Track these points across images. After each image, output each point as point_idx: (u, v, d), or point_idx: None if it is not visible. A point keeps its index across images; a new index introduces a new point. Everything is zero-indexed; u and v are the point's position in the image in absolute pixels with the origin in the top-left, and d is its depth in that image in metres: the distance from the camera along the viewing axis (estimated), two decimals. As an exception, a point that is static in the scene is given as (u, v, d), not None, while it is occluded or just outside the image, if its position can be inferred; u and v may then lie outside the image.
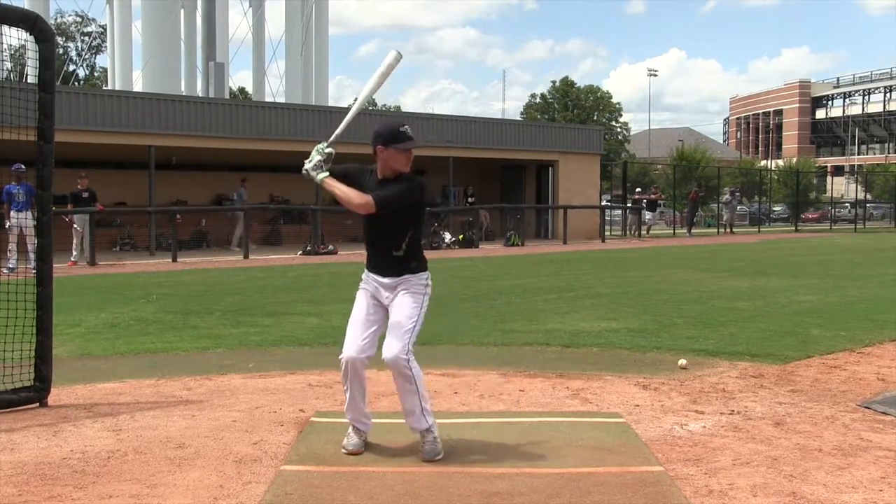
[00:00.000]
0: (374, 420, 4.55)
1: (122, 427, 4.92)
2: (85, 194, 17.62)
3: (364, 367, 4.42)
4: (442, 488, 3.87)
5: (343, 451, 4.39)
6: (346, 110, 29.02)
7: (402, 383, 4.34)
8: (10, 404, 5.29)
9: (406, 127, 4.36)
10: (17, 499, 3.73)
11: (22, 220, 14.66)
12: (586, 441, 4.60)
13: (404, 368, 4.29)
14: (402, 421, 4.42)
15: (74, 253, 17.43)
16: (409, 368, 4.29)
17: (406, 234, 4.37)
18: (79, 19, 62.98)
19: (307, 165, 4.42)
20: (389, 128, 4.36)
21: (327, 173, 4.39)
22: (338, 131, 4.55)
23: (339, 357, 4.41)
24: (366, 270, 4.52)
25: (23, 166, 14.63)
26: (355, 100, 4.85)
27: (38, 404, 5.41)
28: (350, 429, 4.48)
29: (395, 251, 4.37)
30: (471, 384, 6.06)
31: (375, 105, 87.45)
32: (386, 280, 4.40)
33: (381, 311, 4.43)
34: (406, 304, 4.35)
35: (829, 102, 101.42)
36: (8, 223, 15.05)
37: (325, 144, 4.43)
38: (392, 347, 4.28)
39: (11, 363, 5.50)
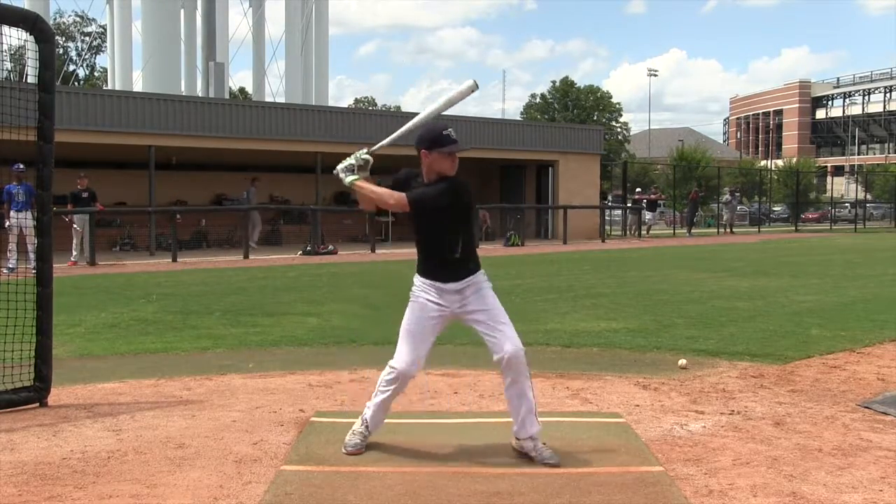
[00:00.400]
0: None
1: (122, 427, 4.92)
2: (84, 194, 17.62)
3: (413, 378, 4.45)
4: (442, 488, 3.87)
5: (344, 450, 4.37)
6: (346, 110, 28.90)
7: (519, 381, 4.28)
8: (10, 404, 5.29)
9: (450, 130, 4.28)
10: (17, 499, 3.73)
11: (22, 220, 14.65)
12: (586, 441, 4.60)
13: (524, 363, 4.28)
14: (403, 421, 4.41)
15: (74, 253, 17.43)
16: (525, 363, 4.31)
17: (458, 236, 4.31)
18: (79, 19, 63.07)
19: (339, 166, 4.41)
20: (433, 132, 4.29)
21: (356, 176, 4.34)
22: (382, 143, 4.52)
23: (391, 364, 4.35)
24: (420, 278, 4.39)
25: (22, 166, 14.63)
26: (417, 114, 4.77)
27: (38, 404, 5.41)
28: (359, 425, 4.42)
29: (450, 255, 4.31)
30: (471, 384, 6.06)
31: (375, 105, 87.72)
32: (450, 285, 4.31)
33: (442, 321, 4.37)
34: (489, 299, 4.33)
35: (829, 102, 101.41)
36: (8, 223, 15.05)
37: (365, 151, 4.42)
38: (511, 342, 4.24)
39: (11, 363, 5.49)
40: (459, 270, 4.33)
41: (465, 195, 4.33)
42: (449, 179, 4.30)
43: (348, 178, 4.37)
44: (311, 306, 10.44)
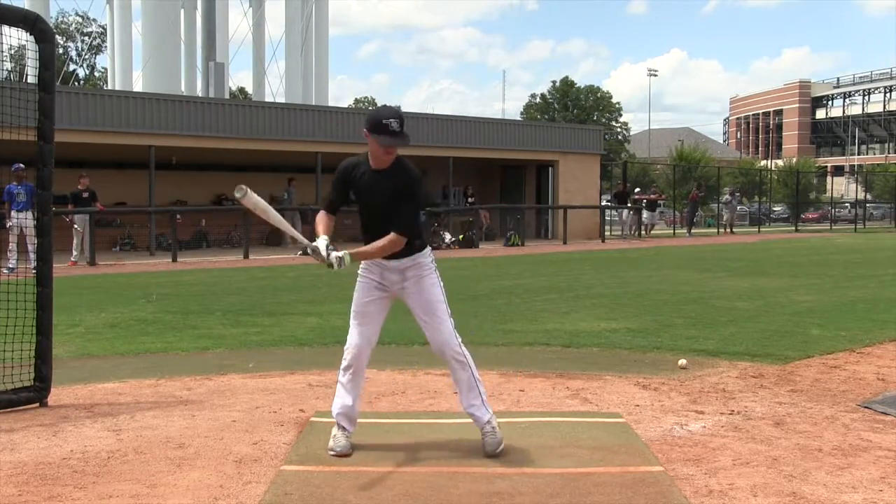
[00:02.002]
0: (374, 420, 4.55)
1: (122, 427, 4.91)
2: (85, 194, 17.62)
3: (367, 359, 4.42)
4: (442, 488, 3.87)
5: (330, 452, 4.33)
6: (346, 110, 28.88)
7: (457, 371, 4.32)
8: (10, 404, 5.28)
9: (391, 120, 4.16)
10: (17, 499, 3.73)
11: (22, 219, 14.66)
12: (586, 441, 4.60)
13: (457, 354, 4.29)
14: (402, 421, 4.41)
15: (74, 253, 17.43)
16: (461, 354, 4.30)
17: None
18: (80, 19, 63.09)
19: (335, 264, 4.11)
20: (376, 116, 4.25)
21: (344, 252, 4.16)
22: (299, 238, 4.46)
23: (345, 347, 4.39)
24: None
25: (22, 166, 14.63)
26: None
27: (38, 404, 5.41)
28: (335, 429, 4.41)
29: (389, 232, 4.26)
30: (471, 384, 6.05)
31: (375, 105, 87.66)
32: (392, 263, 4.32)
33: (387, 300, 4.40)
34: (427, 288, 4.32)
35: (829, 102, 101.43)
36: (9, 223, 15.06)
37: (317, 246, 4.17)
38: (438, 335, 4.27)
39: (11, 363, 5.49)
40: (404, 249, 4.30)
41: (421, 181, 4.38)
42: (416, 177, 4.30)
43: (347, 259, 4.16)
44: (311, 306, 10.44)
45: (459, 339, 4.34)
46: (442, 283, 4.41)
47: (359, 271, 4.42)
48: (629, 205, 30.56)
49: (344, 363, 4.41)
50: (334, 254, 4.13)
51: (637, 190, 34.16)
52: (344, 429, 4.41)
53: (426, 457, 4.33)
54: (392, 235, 4.21)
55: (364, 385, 4.56)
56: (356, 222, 4.49)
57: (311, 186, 23.80)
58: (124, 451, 4.43)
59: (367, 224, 4.39)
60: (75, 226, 17.42)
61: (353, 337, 4.38)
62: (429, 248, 4.44)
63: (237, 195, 4.12)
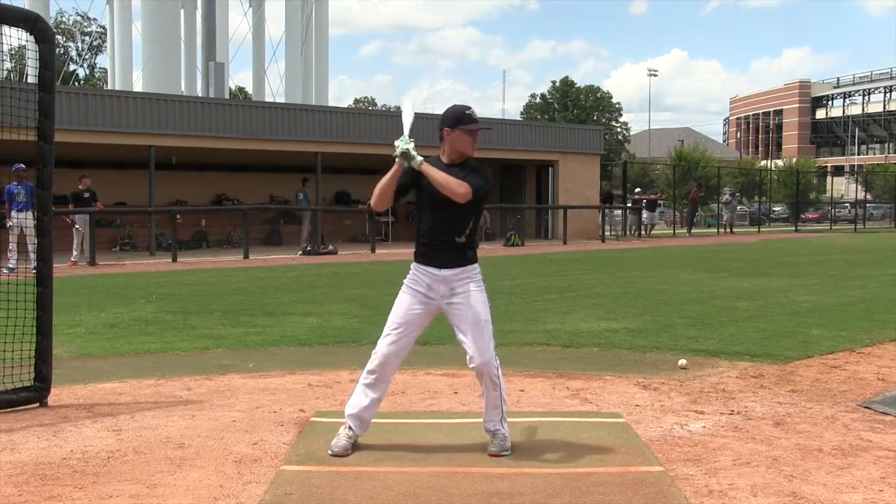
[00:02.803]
0: (374, 420, 4.53)
1: (122, 427, 4.91)
2: (86, 194, 17.62)
3: (395, 370, 4.43)
4: (442, 488, 3.86)
5: (329, 451, 4.33)
6: (346, 110, 28.87)
7: (489, 390, 4.35)
8: (10, 404, 5.28)
9: (471, 110, 4.38)
10: (17, 499, 3.73)
11: (22, 219, 14.66)
12: (586, 441, 4.60)
13: (494, 376, 4.31)
14: (402, 421, 4.41)
15: (75, 253, 17.43)
16: (498, 376, 4.33)
17: (470, 220, 4.32)
18: (80, 19, 63.10)
19: (406, 146, 4.23)
20: (455, 111, 4.39)
21: (423, 158, 4.27)
22: (407, 127, 4.43)
23: (374, 351, 4.37)
24: (415, 264, 4.38)
25: (23, 166, 14.63)
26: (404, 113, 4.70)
27: (38, 404, 5.40)
28: (343, 429, 4.41)
29: (458, 237, 4.28)
30: (471, 384, 6.04)
31: (375, 105, 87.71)
32: (443, 272, 4.29)
33: (428, 314, 4.36)
34: (477, 303, 4.30)
35: (829, 102, 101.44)
36: (9, 223, 15.06)
37: (408, 138, 4.31)
38: (481, 355, 4.26)
39: (11, 363, 5.49)
40: (459, 257, 4.31)
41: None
42: (482, 168, 4.37)
43: (419, 158, 4.24)
44: (311, 306, 10.44)
45: (498, 363, 4.35)
46: (489, 302, 4.39)
47: (405, 281, 4.39)
48: (614, 204, 30.28)
49: (369, 366, 4.38)
50: (419, 158, 4.24)
51: (637, 190, 34.16)
52: (351, 429, 4.41)
53: (426, 457, 4.32)
54: (467, 185, 4.19)
55: (384, 395, 4.55)
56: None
57: (311, 186, 23.79)
58: (124, 451, 4.43)
59: (431, 222, 4.33)
60: (76, 226, 17.41)
61: (384, 345, 4.34)
62: (478, 266, 4.40)
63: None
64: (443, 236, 4.30)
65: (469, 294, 4.31)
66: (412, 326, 4.35)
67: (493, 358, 4.31)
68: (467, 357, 4.31)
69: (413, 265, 4.40)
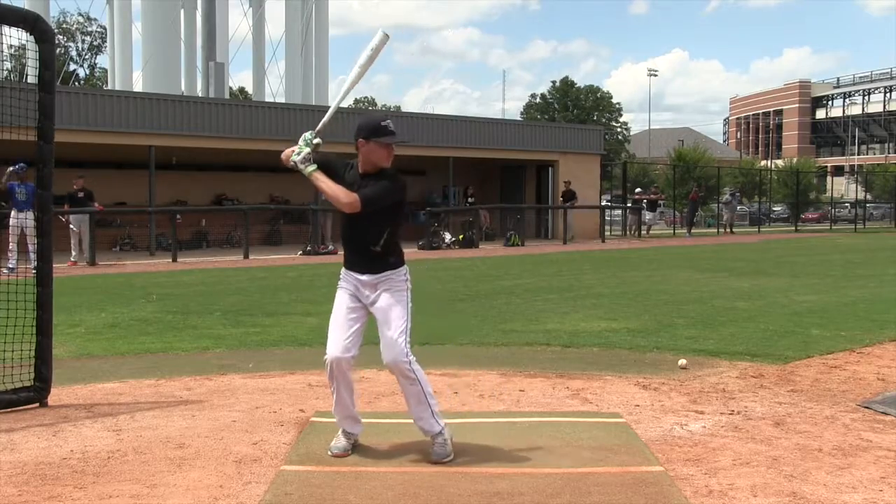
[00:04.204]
0: (374, 420, 4.55)
1: (122, 427, 4.91)
2: (80, 194, 17.61)
3: (350, 367, 4.40)
4: (442, 488, 3.87)
5: (329, 453, 4.34)
6: (346, 110, 28.77)
7: (406, 386, 4.32)
8: (10, 404, 5.28)
9: (388, 121, 4.28)
10: (17, 499, 3.73)
11: (22, 219, 14.66)
12: (586, 441, 4.60)
13: (407, 371, 4.27)
14: (402, 421, 4.41)
15: (74, 253, 17.42)
16: (411, 371, 4.28)
17: (385, 231, 4.31)
18: (81, 19, 63.12)
19: (295, 157, 4.30)
20: (371, 121, 4.33)
21: (315, 166, 4.28)
22: (324, 119, 4.45)
23: (324, 358, 4.39)
24: (343, 269, 4.45)
25: (25, 166, 14.61)
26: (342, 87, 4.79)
27: (38, 404, 5.41)
28: (340, 431, 4.44)
29: (372, 247, 4.30)
30: (471, 384, 6.06)
31: (375, 105, 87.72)
32: (365, 277, 4.34)
33: (363, 310, 4.39)
34: (391, 303, 4.30)
35: (829, 102, 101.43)
36: (12, 222, 15.06)
37: (313, 134, 4.34)
38: (390, 350, 4.26)
39: (11, 363, 5.49)
40: (378, 263, 4.32)
41: (405, 192, 4.39)
42: (393, 177, 4.31)
43: (309, 169, 4.28)
44: (311, 306, 10.43)
45: (412, 358, 4.30)
46: (411, 304, 4.37)
47: (339, 282, 4.44)
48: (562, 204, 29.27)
49: (328, 376, 4.42)
50: (309, 168, 4.27)
51: (638, 190, 34.15)
52: (349, 434, 4.43)
53: (426, 457, 4.32)
54: (354, 196, 4.18)
55: (356, 387, 4.54)
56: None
57: (310, 186, 23.63)
58: (124, 451, 4.43)
59: (347, 232, 4.38)
60: (71, 226, 17.40)
61: (329, 346, 4.38)
62: (406, 268, 4.41)
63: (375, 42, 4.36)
64: (358, 246, 4.35)
65: (387, 292, 4.33)
66: (350, 324, 4.35)
67: (403, 354, 4.26)
68: (383, 359, 4.31)
69: (342, 269, 4.45)
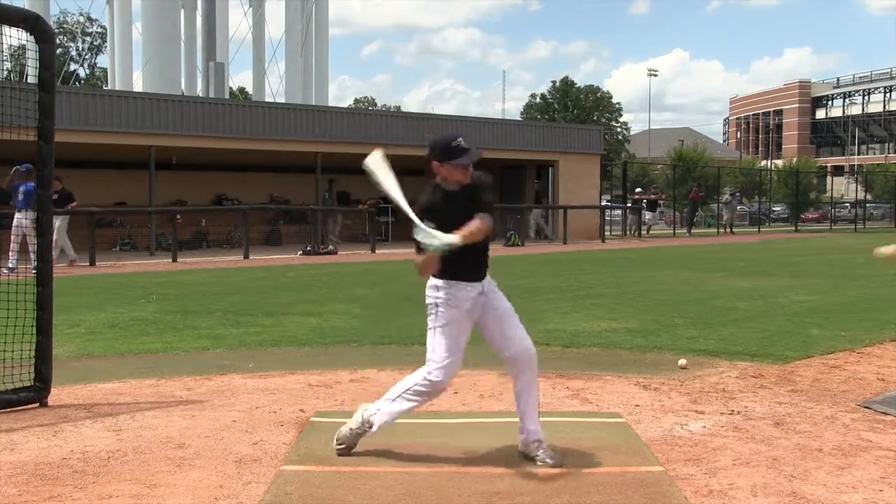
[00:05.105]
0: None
1: (122, 427, 4.91)
2: (55, 196, 17.49)
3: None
4: (442, 488, 3.87)
5: (337, 446, 4.32)
6: (345, 110, 28.79)
7: (532, 378, 4.29)
8: (10, 404, 5.28)
9: (460, 140, 4.17)
10: (17, 499, 3.73)
11: (21, 219, 14.65)
12: (586, 441, 4.60)
13: (536, 360, 4.31)
14: (402, 421, 4.39)
15: (54, 253, 17.03)
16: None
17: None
18: (82, 19, 63.13)
19: (441, 244, 3.99)
20: (443, 143, 4.19)
21: (452, 237, 3.99)
22: (407, 209, 4.23)
23: (436, 380, 4.21)
24: (452, 284, 4.19)
25: (31, 166, 14.58)
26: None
27: (38, 404, 5.41)
28: (360, 425, 4.31)
29: (487, 250, 4.31)
30: (471, 384, 6.05)
31: (375, 105, 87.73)
32: (480, 284, 4.28)
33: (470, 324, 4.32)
34: (505, 297, 4.36)
35: (829, 102, 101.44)
36: (16, 222, 15.05)
37: (426, 227, 4.07)
38: (529, 339, 4.29)
39: (11, 363, 5.49)
40: (486, 265, 4.33)
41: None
42: (489, 185, 4.29)
43: (448, 240, 4.01)
44: (311, 306, 10.44)
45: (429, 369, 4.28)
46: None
47: (443, 300, 4.20)
48: (545, 204, 29.00)
49: (424, 387, 4.24)
50: (448, 237, 4.00)
51: (638, 190, 34.14)
52: (370, 428, 4.34)
53: (426, 457, 4.33)
54: (487, 223, 4.13)
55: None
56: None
57: (311, 186, 23.80)
58: (124, 451, 4.43)
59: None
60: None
61: (447, 370, 4.21)
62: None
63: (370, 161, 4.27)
64: (479, 252, 4.26)
65: (496, 292, 4.39)
66: (463, 344, 4.32)
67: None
68: (508, 351, 4.33)
69: (448, 283, 4.22)
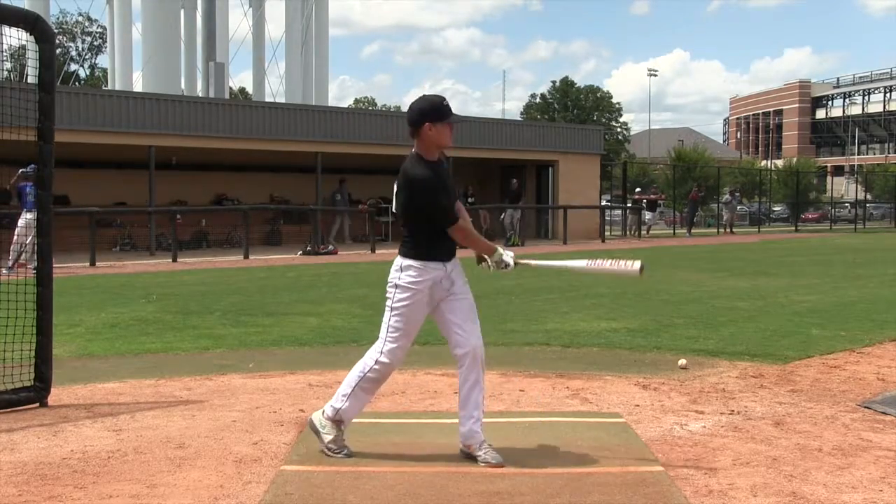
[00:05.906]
0: (374, 420, 4.54)
1: (122, 427, 4.91)
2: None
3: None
4: (442, 488, 3.87)
5: (331, 453, 4.28)
6: (346, 110, 28.78)
7: (478, 376, 4.29)
8: (10, 404, 5.28)
9: (446, 101, 4.21)
10: (17, 499, 3.73)
11: (31, 220, 14.65)
12: (586, 441, 4.60)
13: (484, 357, 4.31)
14: (403, 421, 4.40)
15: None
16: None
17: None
18: (81, 19, 63.14)
19: (507, 260, 4.46)
20: (433, 104, 4.18)
21: (507, 253, 4.45)
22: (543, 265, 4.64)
23: (384, 360, 4.24)
24: (424, 265, 4.18)
25: (36, 167, 14.55)
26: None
27: (38, 404, 5.41)
28: (331, 427, 4.30)
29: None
30: (471, 384, 6.05)
31: (375, 105, 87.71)
32: (452, 261, 4.30)
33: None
34: (468, 290, 4.34)
35: (829, 102, 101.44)
36: (21, 223, 15.06)
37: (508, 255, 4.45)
38: (479, 337, 4.28)
39: (11, 363, 5.49)
40: (454, 246, 4.32)
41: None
42: (440, 163, 4.29)
43: (508, 256, 4.47)
44: (311, 306, 10.44)
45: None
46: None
47: (410, 282, 4.17)
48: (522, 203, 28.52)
49: (375, 374, 4.28)
50: (507, 256, 4.44)
51: (638, 190, 34.14)
52: (342, 425, 4.35)
53: (426, 457, 4.33)
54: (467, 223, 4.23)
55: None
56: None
57: (311, 186, 23.79)
58: (124, 451, 4.43)
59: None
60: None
61: (398, 353, 4.25)
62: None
63: None
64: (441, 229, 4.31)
65: (463, 280, 4.43)
66: (418, 328, 4.36)
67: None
68: (463, 349, 4.30)
69: (419, 263, 4.24)
